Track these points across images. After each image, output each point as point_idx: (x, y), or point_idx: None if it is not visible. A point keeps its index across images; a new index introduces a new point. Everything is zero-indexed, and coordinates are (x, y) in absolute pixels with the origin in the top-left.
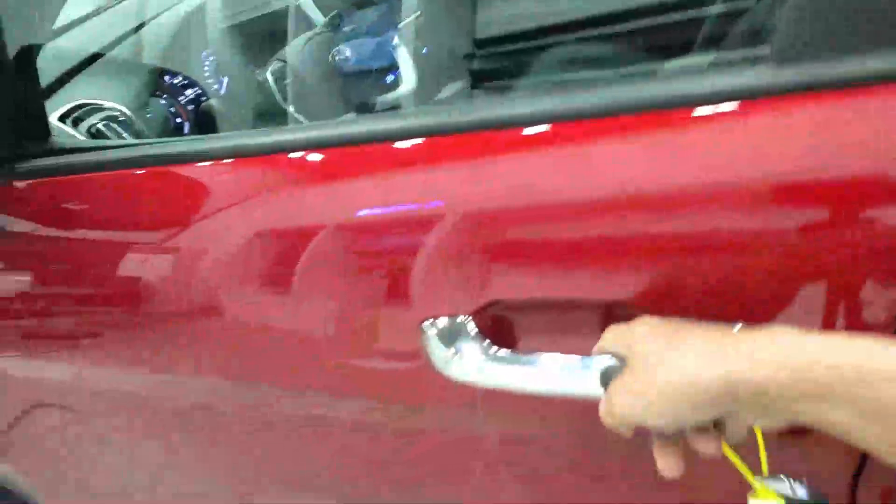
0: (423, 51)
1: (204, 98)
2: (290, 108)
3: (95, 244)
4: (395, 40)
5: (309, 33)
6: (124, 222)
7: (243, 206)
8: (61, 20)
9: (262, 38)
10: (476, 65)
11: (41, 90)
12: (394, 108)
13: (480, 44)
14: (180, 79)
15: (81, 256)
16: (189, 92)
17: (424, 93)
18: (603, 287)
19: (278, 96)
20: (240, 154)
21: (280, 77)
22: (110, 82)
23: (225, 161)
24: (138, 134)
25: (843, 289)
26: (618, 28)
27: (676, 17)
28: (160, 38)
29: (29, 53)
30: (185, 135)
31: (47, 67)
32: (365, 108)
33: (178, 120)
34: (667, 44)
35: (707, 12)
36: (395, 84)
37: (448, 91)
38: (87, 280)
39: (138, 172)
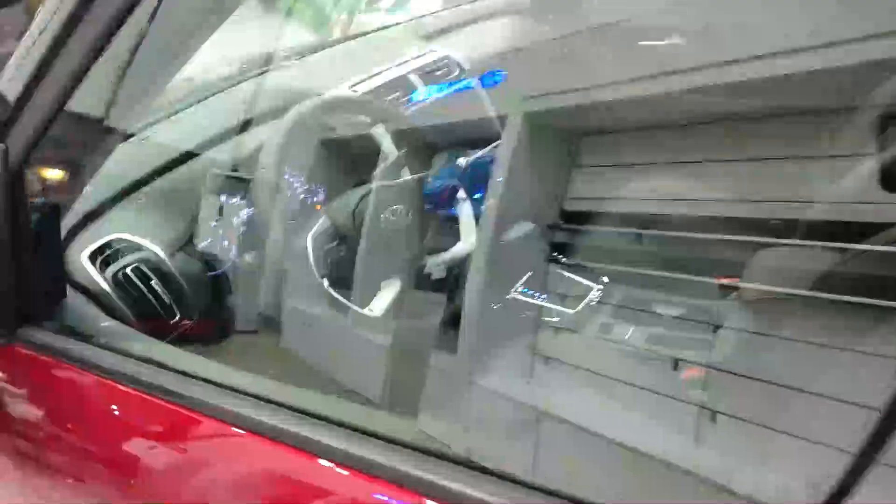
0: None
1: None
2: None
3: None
4: (461, 194)
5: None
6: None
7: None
8: None
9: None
10: (558, 238)
11: (61, 254)
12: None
13: (568, 217)
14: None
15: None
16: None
17: (492, 255)
18: None
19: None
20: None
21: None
22: (154, 213)
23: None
24: (168, 282)
25: None
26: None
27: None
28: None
29: (54, 213)
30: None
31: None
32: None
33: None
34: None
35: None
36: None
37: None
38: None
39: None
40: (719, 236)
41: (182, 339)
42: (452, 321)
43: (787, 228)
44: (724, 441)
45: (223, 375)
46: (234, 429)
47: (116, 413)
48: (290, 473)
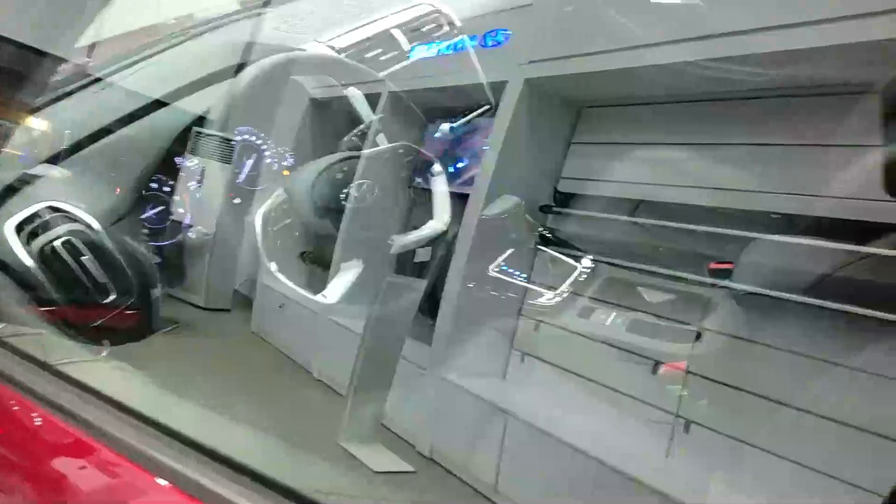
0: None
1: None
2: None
3: None
4: (436, 167)
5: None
6: None
7: None
8: None
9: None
10: (549, 221)
11: None
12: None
13: (561, 198)
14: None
15: None
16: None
17: (478, 240)
18: None
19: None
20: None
21: None
22: (93, 178)
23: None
24: (103, 258)
25: None
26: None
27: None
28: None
29: None
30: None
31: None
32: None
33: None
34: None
35: None
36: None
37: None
38: None
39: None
40: (717, 229)
41: (111, 331)
42: (430, 309)
43: (789, 224)
44: (697, 456)
45: (122, 393)
46: (118, 457)
47: None
48: None
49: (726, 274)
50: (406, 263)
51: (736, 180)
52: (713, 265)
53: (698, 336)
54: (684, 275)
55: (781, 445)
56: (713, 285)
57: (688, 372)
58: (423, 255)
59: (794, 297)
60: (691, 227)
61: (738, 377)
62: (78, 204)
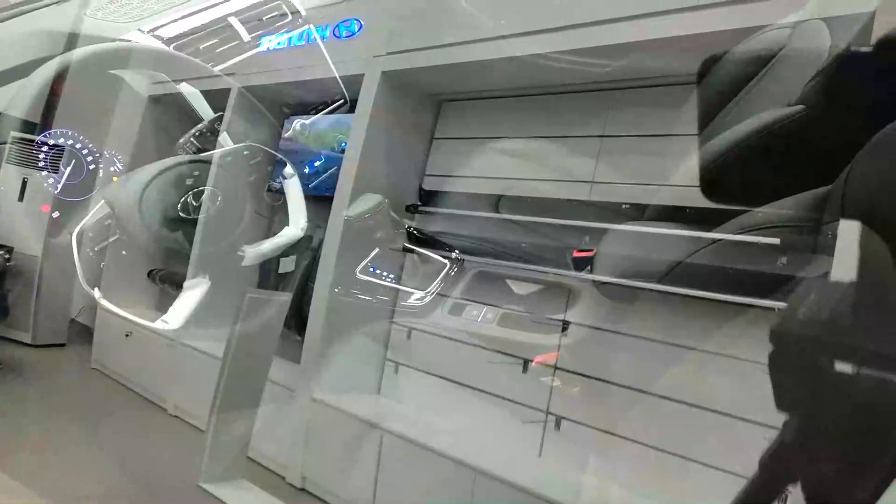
0: None
1: None
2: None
3: None
4: (288, 169)
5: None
6: None
7: None
8: None
9: None
10: (417, 221)
11: None
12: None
13: (426, 197)
14: None
15: None
16: None
17: (344, 245)
18: None
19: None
20: None
21: None
22: None
23: None
24: None
25: None
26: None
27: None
28: None
29: None
30: None
31: None
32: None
33: None
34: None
35: None
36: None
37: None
38: None
39: None
40: (571, 222)
41: None
42: (297, 324)
43: (638, 213)
44: (568, 451)
45: None
46: None
47: None
48: None
49: (589, 262)
50: (269, 276)
51: (588, 172)
52: (576, 253)
53: (565, 328)
54: (546, 269)
55: (647, 434)
56: (575, 266)
57: (556, 367)
58: (287, 266)
59: (648, 285)
60: (549, 220)
61: (603, 369)
62: None
